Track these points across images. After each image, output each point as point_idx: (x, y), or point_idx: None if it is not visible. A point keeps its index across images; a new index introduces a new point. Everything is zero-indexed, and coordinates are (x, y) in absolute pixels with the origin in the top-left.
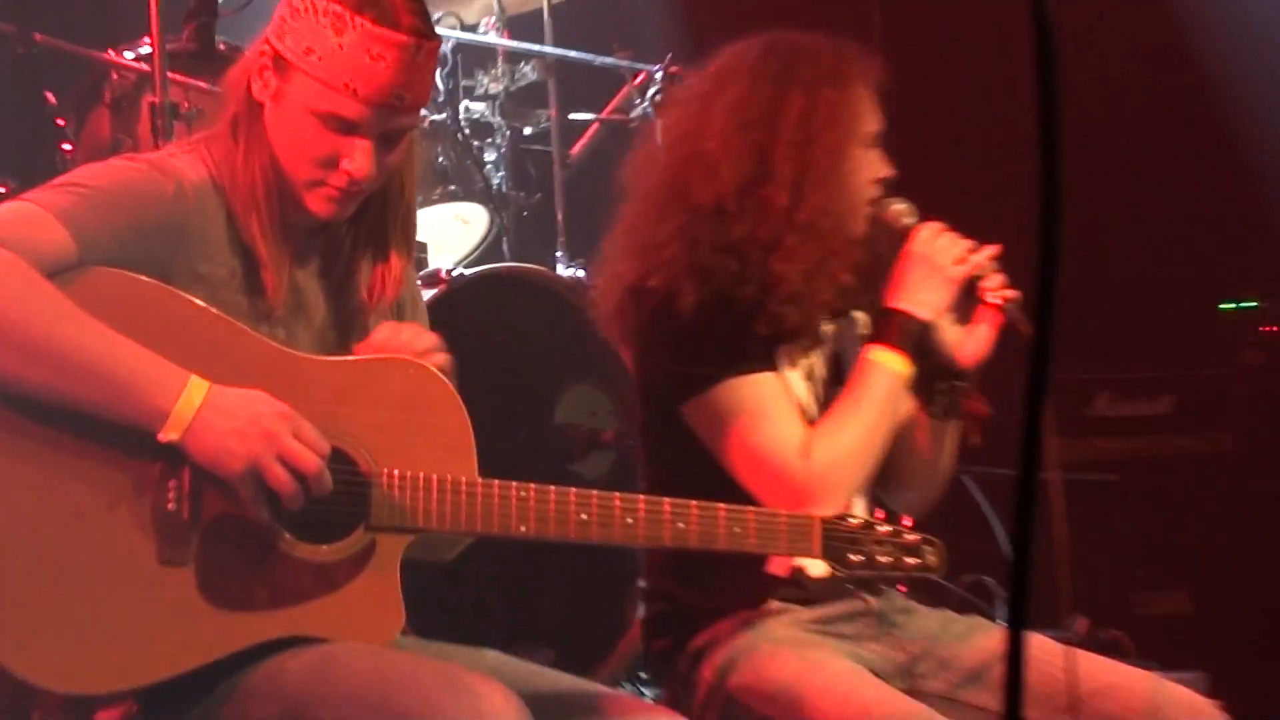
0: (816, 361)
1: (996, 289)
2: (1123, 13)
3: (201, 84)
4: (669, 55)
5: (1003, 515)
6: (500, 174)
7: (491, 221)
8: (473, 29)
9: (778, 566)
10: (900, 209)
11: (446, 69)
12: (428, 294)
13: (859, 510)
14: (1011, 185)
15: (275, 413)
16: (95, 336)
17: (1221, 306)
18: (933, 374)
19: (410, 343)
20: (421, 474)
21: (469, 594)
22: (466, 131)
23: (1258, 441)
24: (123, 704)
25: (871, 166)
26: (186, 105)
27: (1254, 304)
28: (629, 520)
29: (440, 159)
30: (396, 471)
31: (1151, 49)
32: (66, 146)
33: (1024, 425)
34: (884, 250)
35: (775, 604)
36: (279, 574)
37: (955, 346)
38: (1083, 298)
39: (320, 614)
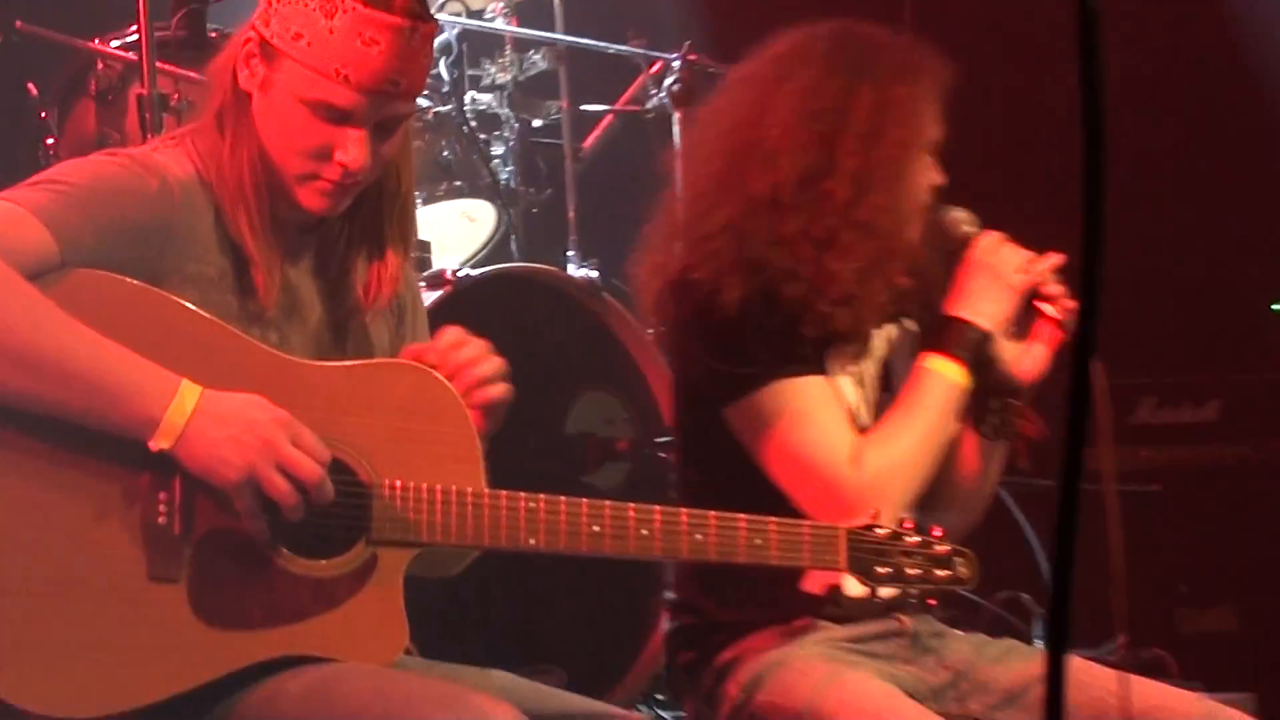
0: (868, 368)
1: (1058, 302)
2: (1172, 2)
3: (192, 74)
4: (686, 43)
5: (1039, 529)
6: (508, 169)
7: (499, 219)
8: (479, 15)
9: (814, 585)
10: (961, 216)
11: (452, 58)
12: (432, 296)
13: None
14: (1051, 182)
15: (272, 419)
16: (80, 341)
17: (1274, 307)
18: (987, 390)
19: (470, 360)
20: (425, 485)
21: (476, 612)
22: (473, 124)
23: None
24: None
25: (931, 172)
26: (176, 97)
27: None
28: (644, 532)
29: (445, 153)
30: (399, 482)
31: (1202, 41)
32: (49, 141)
33: (1066, 434)
34: (942, 258)
35: (807, 620)
36: (276, 591)
37: (1012, 363)
38: (1125, 298)
39: (320, 632)
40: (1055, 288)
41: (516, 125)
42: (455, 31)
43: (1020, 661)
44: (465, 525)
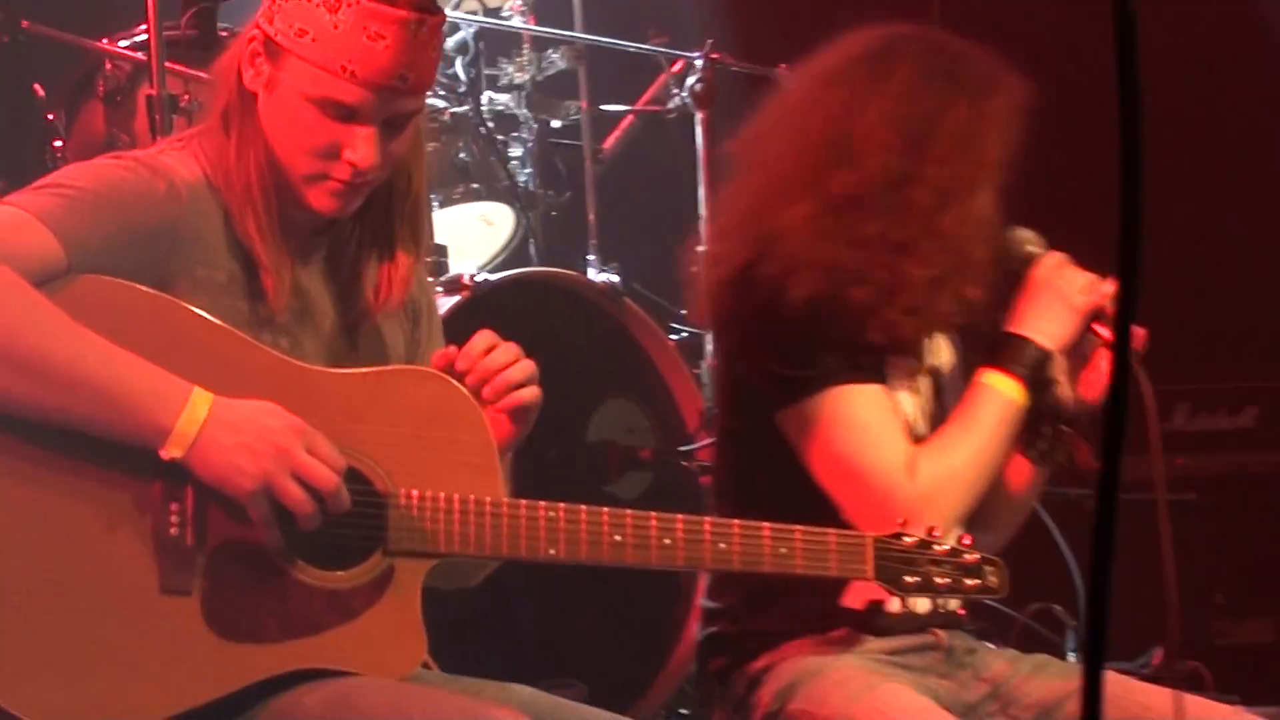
0: (924, 379)
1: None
2: (1211, 2)
3: (202, 75)
4: (709, 41)
5: (1073, 539)
6: (526, 171)
7: (517, 222)
8: (496, 13)
9: (855, 599)
10: (1027, 236)
11: (468, 57)
12: (449, 301)
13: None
14: (1084, 187)
15: (287, 426)
16: (88, 348)
17: None
18: (1040, 414)
19: (502, 365)
20: (442, 494)
21: (496, 624)
22: (490, 125)
23: None
24: None
25: (1000, 190)
26: (186, 98)
27: None
28: (666, 542)
29: (461, 155)
30: (415, 492)
31: (1242, 40)
32: (57, 143)
33: (1104, 443)
34: (1003, 276)
35: (844, 631)
36: (291, 603)
37: (1068, 388)
38: (1158, 301)
39: (336, 645)
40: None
41: (535, 126)
42: (472, 30)
43: (1054, 676)
44: (484, 535)
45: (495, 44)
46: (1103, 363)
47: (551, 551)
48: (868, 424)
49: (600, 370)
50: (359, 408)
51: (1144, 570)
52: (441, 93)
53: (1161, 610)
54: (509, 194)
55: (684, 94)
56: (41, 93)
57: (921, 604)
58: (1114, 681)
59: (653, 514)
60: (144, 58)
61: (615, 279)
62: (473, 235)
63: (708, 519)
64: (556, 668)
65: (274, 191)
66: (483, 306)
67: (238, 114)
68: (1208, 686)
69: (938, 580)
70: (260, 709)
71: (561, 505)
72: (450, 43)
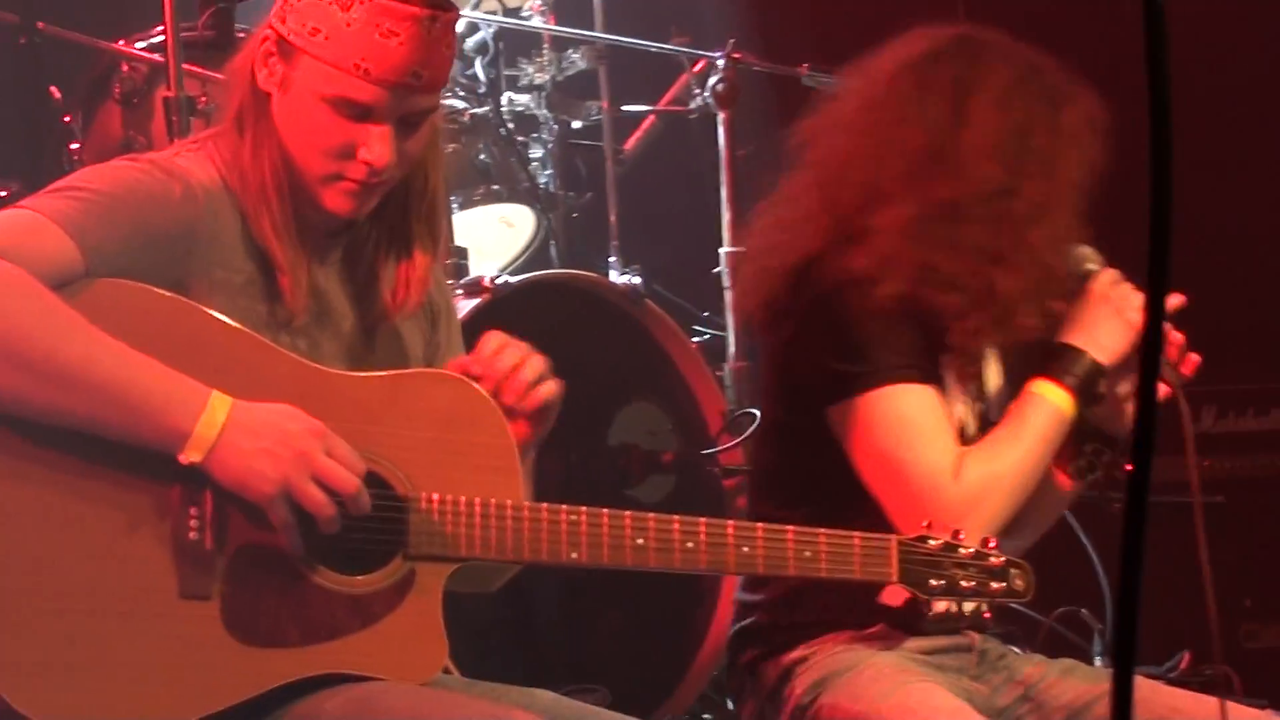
0: (977, 382)
1: (1174, 350)
2: (1241, 3)
3: (220, 76)
4: (731, 41)
5: (1099, 542)
6: (547, 172)
7: (538, 224)
8: (516, 13)
9: (892, 596)
10: (1087, 253)
11: (488, 58)
12: (470, 304)
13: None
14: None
15: (306, 429)
16: (106, 352)
17: None
18: (1085, 431)
19: (516, 365)
20: (463, 498)
21: (517, 629)
22: (510, 126)
23: None
24: None
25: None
26: (204, 99)
27: None
28: (689, 545)
29: (481, 156)
30: (436, 495)
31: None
32: (74, 145)
33: (1134, 445)
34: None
35: (880, 627)
36: (311, 607)
37: (1116, 408)
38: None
39: (357, 650)
40: (1172, 334)
41: (555, 127)
42: (491, 30)
43: (1083, 679)
44: (505, 539)
45: (515, 44)
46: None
47: (573, 555)
48: (918, 424)
49: (622, 373)
50: (378, 411)
51: (1171, 573)
52: (461, 94)
53: (1189, 614)
54: (529, 195)
55: (706, 94)
56: (58, 95)
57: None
58: (1142, 685)
59: (675, 517)
60: (161, 59)
61: (637, 281)
62: (493, 237)
63: (731, 522)
64: (579, 672)
65: (289, 192)
66: (503, 309)
67: (251, 114)
68: (1236, 690)
69: (963, 583)
70: (280, 714)
71: (583, 509)
72: (470, 43)
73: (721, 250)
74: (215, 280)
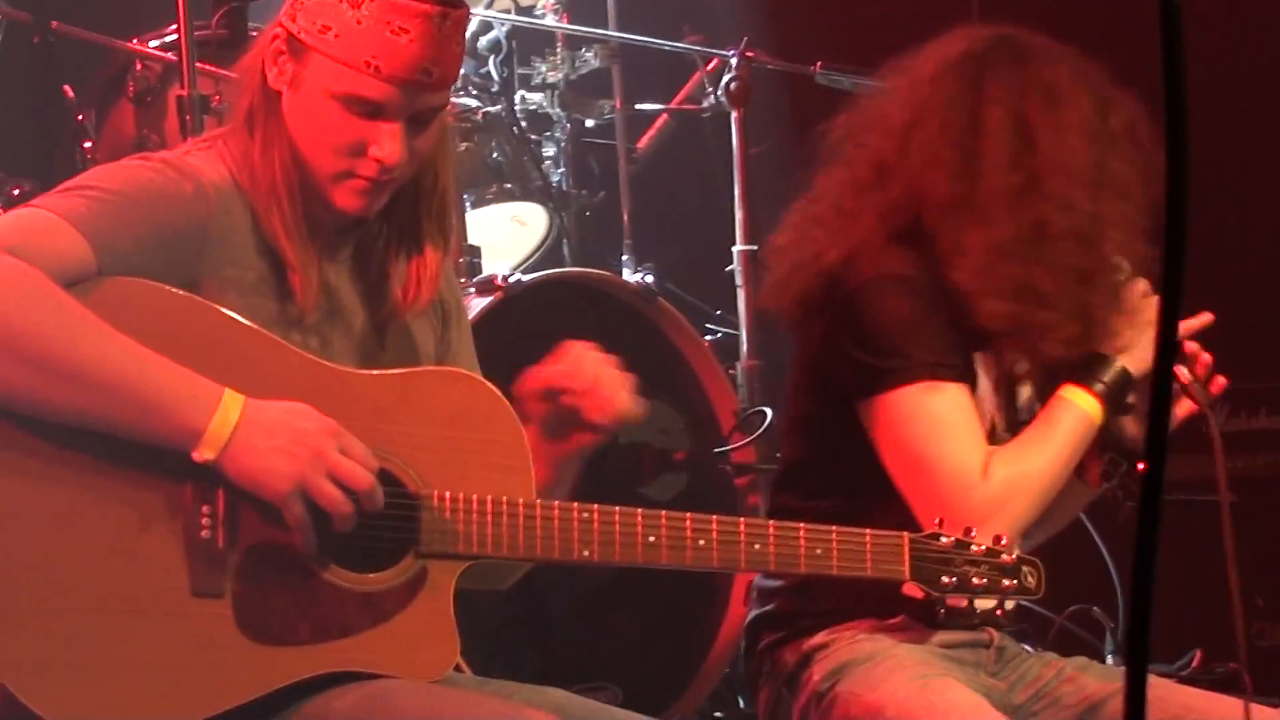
0: (1008, 378)
1: (1196, 364)
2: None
3: (233, 75)
4: (744, 39)
5: (1111, 540)
6: (560, 170)
7: (551, 222)
8: (529, 12)
9: (914, 588)
10: (1117, 262)
11: (501, 56)
12: (482, 302)
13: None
14: None
15: (320, 428)
16: (119, 350)
17: None
18: (1107, 442)
19: (602, 378)
20: (475, 495)
21: (529, 627)
22: (523, 124)
23: None
24: None
25: None
26: (217, 98)
27: None
28: (701, 543)
29: (494, 155)
30: (448, 493)
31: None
32: (87, 144)
33: (1148, 443)
34: None
35: (901, 618)
36: (323, 605)
37: (1141, 423)
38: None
39: (368, 648)
40: (1193, 344)
41: (568, 125)
42: (505, 29)
43: (1096, 677)
44: (517, 537)
45: (528, 43)
46: (1177, 406)
47: (585, 553)
48: (948, 421)
49: (634, 371)
50: (390, 409)
51: (1183, 572)
52: (474, 92)
53: (1200, 612)
54: (542, 194)
55: (719, 93)
56: (71, 94)
57: (983, 602)
58: (1155, 684)
59: (687, 515)
60: (174, 58)
61: (649, 279)
62: (506, 236)
63: (743, 520)
64: (590, 671)
65: (299, 190)
66: (516, 307)
67: (262, 113)
68: (1248, 689)
69: (974, 580)
70: (292, 712)
71: (595, 506)
72: (483, 41)
73: (734, 249)
74: (227, 278)
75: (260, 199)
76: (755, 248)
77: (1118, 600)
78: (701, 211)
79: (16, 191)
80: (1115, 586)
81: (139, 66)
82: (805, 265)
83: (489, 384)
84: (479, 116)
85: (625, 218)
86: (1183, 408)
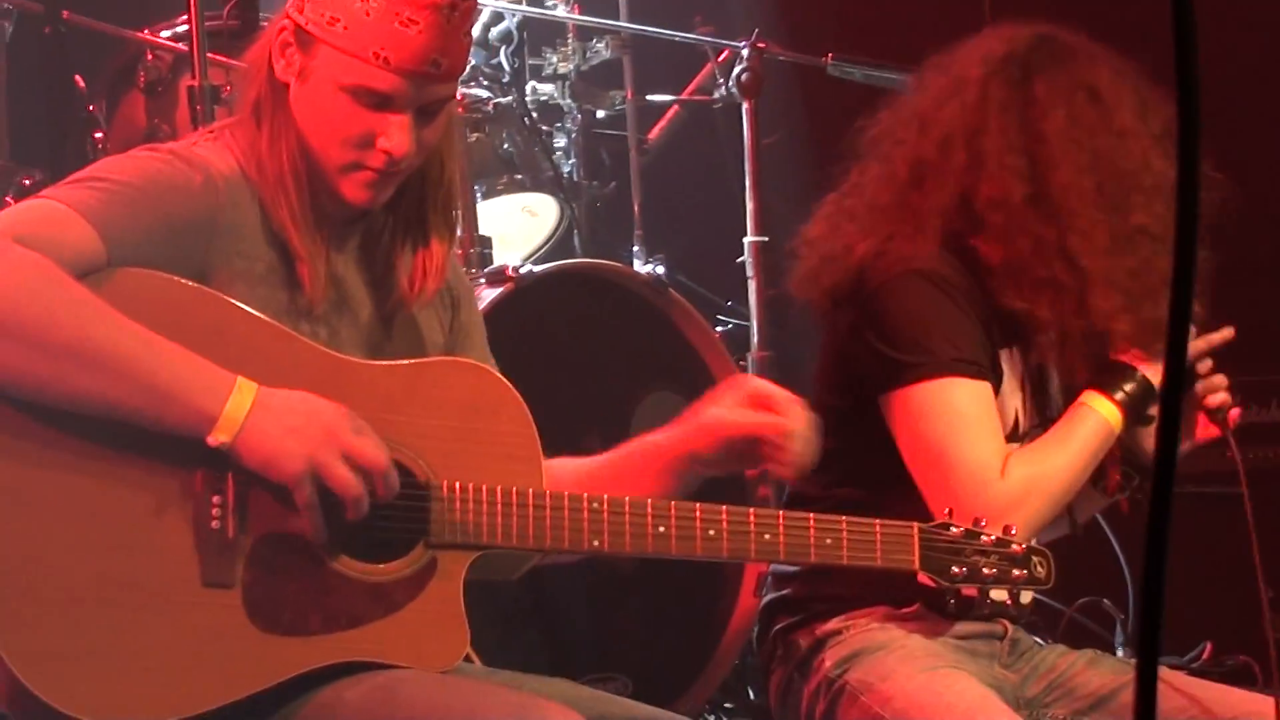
0: (1034, 376)
1: (1216, 394)
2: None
3: (244, 65)
4: (755, 30)
5: (1121, 532)
6: (571, 161)
7: (561, 213)
8: (540, 3)
9: (926, 577)
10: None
11: (512, 47)
12: (493, 292)
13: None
14: None
15: (334, 409)
16: (132, 337)
17: None
18: (1122, 454)
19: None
20: (485, 486)
21: (538, 618)
22: (534, 115)
23: None
24: None
25: None
26: (228, 89)
27: None
28: (711, 533)
29: (505, 145)
30: (458, 484)
31: None
32: (98, 135)
33: (1160, 435)
34: None
35: (916, 607)
36: (333, 595)
37: (1153, 438)
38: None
39: (378, 638)
40: (1207, 364)
41: (579, 116)
42: (515, 19)
43: (1107, 668)
44: (527, 527)
45: (539, 33)
46: (1192, 424)
47: (595, 543)
48: (969, 418)
49: (644, 363)
50: (399, 399)
51: (1194, 564)
52: (485, 83)
53: (1211, 604)
54: (553, 185)
55: (730, 84)
56: (82, 84)
57: (998, 593)
58: (1165, 676)
59: (697, 505)
60: (185, 48)
61: (660, 270)
62: (517, 226)
63: (752, 510)
64: (600, 661)
65: (306, 181)
66: (526, 298)
67: (269, 105)
68: (1258, 681)
69: (984, 571)
70: (302, 702)
71: (605, 497)
72: (494, 32)
73: (745, 240)
74: (236, 269)
75: (268, 190)
76: (766, 239)
77: (1128, 592)
78: (712, 203)
79: (27, 182)
80: (1126, 578)
81: (150, 57)
82: (836, 258)
83: (498, 374)
84: (490, 107)
85: (636, 209)
86: (1201, 432)
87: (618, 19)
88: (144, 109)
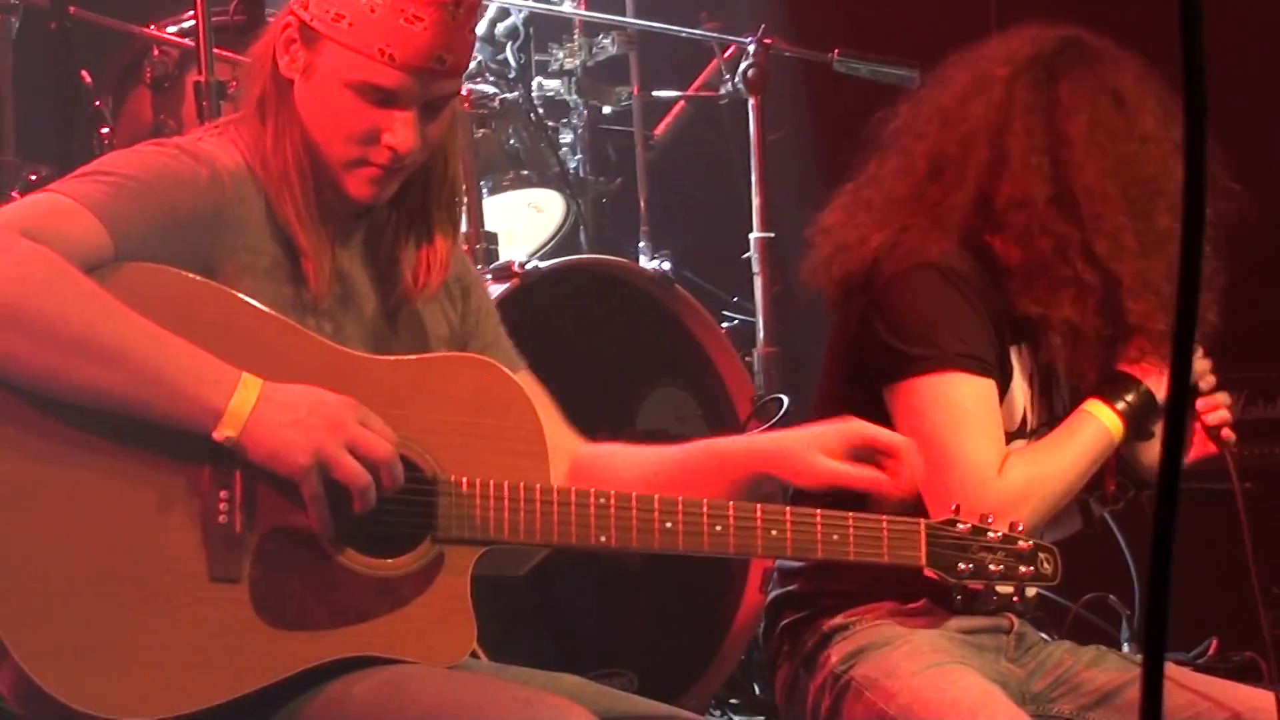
0: (1041, 373)
1: (1217, 411)
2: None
3: (249, 61)
4: (762, 26)
5: (1126, 528)
6: (577, 157)
7: (567, 209)
8: None
9: (930, 573)
10: None
11: (518, 43)
12: (499, 288)
13: None
14: None
15: (339, 401)
16: (139, 331)
17: None
18: (1122, 467)
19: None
20: (492, 481)
21: (545, 613)
22: (540, 111)
23: None
24: None
25: None
26: (234, 84)
27: None
28: (718, 528)
29: (511, 141)
30: (465, 478)
31: None
32: (104, 130)
33: (1166, 430)
34: None
35: (923, 601)
36: (340, 590)
37: (1153, 457)
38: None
39: (385, 633)
40: (1210, 380)
41: (585, 112)
42: (522, 15)
43: (1113, 664)
44: (534, 522)
45: (546, 29)
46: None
47: (602, 539)
48: (970, 414)
49: (651, 358)
50: (405, 394)
51: (1199, 560)
52: (491, 79)
53: (1216, 600)
54: (559, 181)
55: (736, 79)
56: (89, 80)
57: (1004, 588)
58: (1171, 672)
59: (704, 501)
60: (191, 44)
61: (666, 266)
62: (523, 222)
63: (759, 505)
64: (607, 657)
65: (311, 177)
66: (533, 294)
67: (274, 101)
68: (1263, 677)
69: (991, 567)
70: (309, 697)
71: (612, 492)
72: (500, 28)
73: (751, 235)
74: (242, 263)
75: (272, 185)
76: (772, 234)
77: (1134, 588)
78: (718, 198)
79: (34, 177)
80: (1131, 574)
81: (156, 52)
82: (850, 248)
83: (505, 370)
84: (496, 103)
85: (642, 204)
86: (1198, 449)
87: (624, 15)
88: (150, 104)
